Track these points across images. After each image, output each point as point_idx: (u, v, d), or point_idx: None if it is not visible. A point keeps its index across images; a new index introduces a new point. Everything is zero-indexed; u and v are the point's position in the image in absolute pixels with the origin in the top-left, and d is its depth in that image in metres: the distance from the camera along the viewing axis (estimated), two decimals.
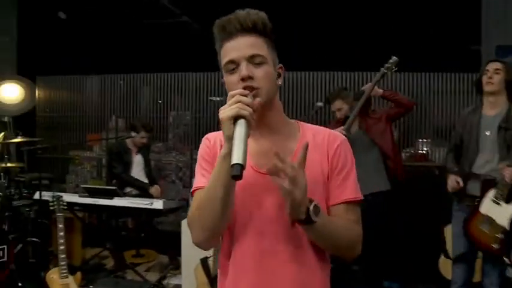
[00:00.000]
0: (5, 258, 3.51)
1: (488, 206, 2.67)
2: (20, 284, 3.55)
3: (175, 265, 4.21)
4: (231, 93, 1.13)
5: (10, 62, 5.67)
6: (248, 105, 1.10)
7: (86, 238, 4.53)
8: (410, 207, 4.03)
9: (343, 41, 5.61)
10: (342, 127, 3.22)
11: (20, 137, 4.20)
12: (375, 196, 3.41)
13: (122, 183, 4.49)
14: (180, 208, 4.29)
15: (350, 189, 1.26)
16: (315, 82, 5.23)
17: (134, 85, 5.72)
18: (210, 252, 3.22)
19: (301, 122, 1.35)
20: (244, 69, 1.17)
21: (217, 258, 1.35)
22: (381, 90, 3.49)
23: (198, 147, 1.34)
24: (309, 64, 5.32)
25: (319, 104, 3.74)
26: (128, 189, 4.50)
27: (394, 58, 3.27)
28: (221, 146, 1.22)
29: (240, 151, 1.03)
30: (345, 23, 5.49)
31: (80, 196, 3.97)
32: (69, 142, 5.62)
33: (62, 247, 3.30)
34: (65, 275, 3.27)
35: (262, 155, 1.23)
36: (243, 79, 1.17)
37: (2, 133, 4.54)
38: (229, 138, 1.08)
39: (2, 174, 3.96)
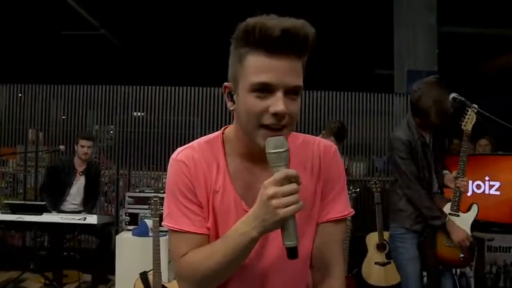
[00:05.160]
0: None
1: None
2: None
3: (105, 283, 4.02)
4: (287, 174, 0.94)
5: None
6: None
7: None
8: None
9: None
10: None
11: None
12: None
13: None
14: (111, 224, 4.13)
15: (342, 204, 1.15)
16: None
17: (50, 96, 5.35)
18: (150, 266, 3.15)
19: None
20: (281, 104, 0.97)
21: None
22: None
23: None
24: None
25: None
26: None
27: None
28: (203, 170, 1.09)
29: (294, 232, 0.97)
30: None
31: (3, 213, 3.63)
32: None
33: None
34: None
35: (255, 192, 1.02)
36: (275, 114, 0.98)
37: None
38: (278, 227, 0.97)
39: None
